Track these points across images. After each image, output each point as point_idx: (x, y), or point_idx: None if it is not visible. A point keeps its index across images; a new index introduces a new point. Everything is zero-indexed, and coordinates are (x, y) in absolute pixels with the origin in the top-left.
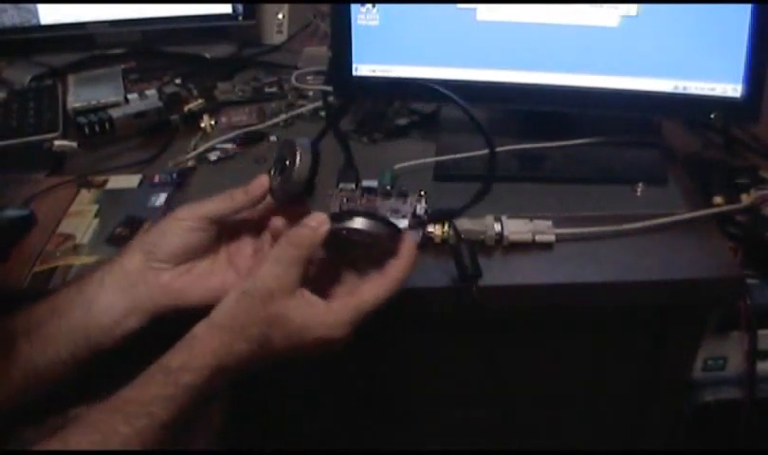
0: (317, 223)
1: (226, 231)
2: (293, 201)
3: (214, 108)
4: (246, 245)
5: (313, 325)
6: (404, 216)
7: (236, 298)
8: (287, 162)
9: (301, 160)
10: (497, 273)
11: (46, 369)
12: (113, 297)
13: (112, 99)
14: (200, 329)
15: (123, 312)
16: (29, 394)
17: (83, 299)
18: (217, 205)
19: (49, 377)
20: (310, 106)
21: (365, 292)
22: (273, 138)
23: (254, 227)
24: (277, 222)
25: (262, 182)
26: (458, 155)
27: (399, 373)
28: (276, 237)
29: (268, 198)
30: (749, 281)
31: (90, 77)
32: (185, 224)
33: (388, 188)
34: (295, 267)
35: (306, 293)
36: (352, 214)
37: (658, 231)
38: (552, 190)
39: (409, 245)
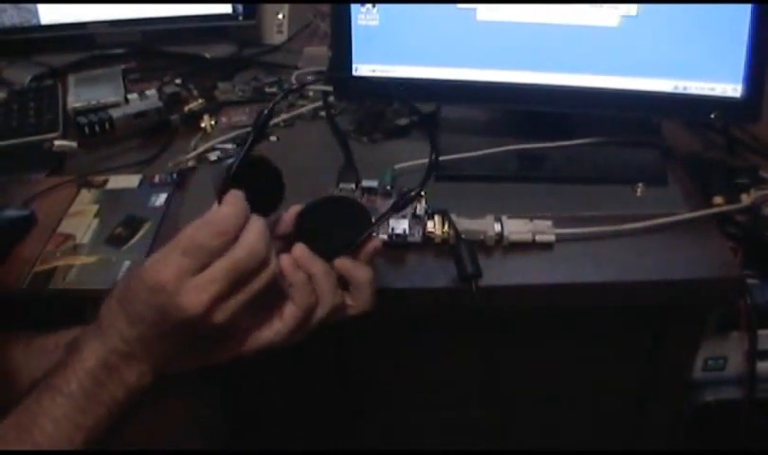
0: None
1: None
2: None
3: (214, 108)
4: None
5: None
6: (404, 216)
7: None
8: None
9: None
10: (497, 273)
11: None
12: None
13: (112, 99)
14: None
15: None
16: None
17: None
18: None
19: None
20: (310, 106)
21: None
22: (273, 138)
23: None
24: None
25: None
26: (458, 155)
27: (399, 373)
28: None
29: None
30: (749, 281)
31: (90, 77)
32: None
33: (388, 188)
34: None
35: None
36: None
37: (658, 231)
38: (552, 190)
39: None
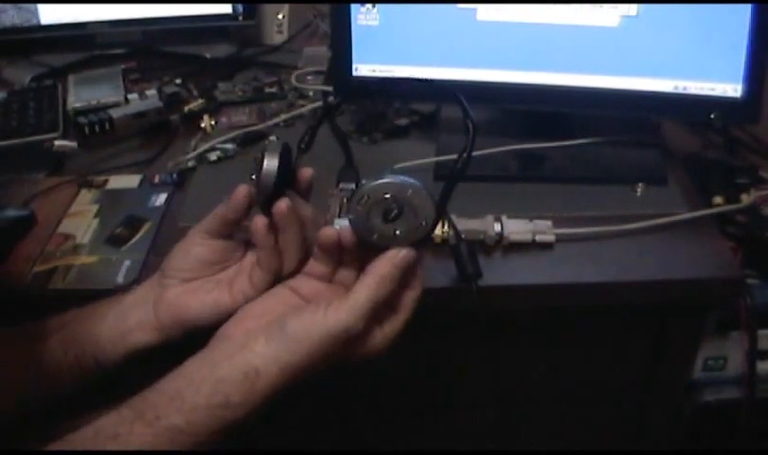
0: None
1: (241, 250)
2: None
3: (214, 108)
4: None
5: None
6: None
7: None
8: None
9: (268, 162)
10: (497, 273)
11: (52, 373)
12: (124, 311)
13: (112, 99)
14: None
15: (130, 325)
16: (32, 401)
17: (97, 311)
18: (209, 218)
19: (53, 384)
20: (310, 106)
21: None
22: (273, 138)
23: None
24: (258, 223)
25: (241, 190)
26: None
27: (398, 373)
28: (256, 238)
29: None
30: (749, 281)
31: (90, 77)
32: (190, 240)
33: None
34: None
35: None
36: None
37: (658, 231)
38: (552, 190)
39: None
